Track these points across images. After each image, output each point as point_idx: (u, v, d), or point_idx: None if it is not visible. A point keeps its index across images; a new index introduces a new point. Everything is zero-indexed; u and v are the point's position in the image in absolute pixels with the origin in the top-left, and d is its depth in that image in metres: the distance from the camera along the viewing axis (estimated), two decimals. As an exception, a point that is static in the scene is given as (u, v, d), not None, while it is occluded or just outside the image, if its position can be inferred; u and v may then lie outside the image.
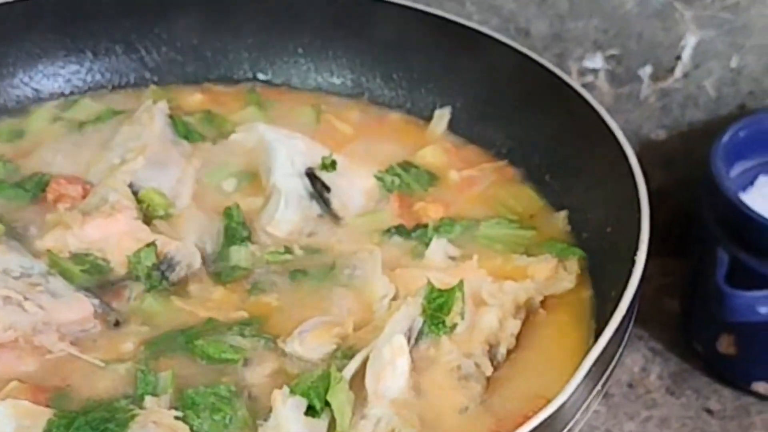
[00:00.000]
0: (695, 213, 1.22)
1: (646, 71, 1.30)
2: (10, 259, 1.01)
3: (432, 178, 1.17)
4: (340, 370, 0.94)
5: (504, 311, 0.99)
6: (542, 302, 1.03)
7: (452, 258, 1.08)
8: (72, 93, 1.29)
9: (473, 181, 1.17)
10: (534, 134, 1.17)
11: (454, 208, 1.14)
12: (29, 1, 1.26)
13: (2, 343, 0.95)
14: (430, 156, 1.20)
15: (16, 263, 1.01)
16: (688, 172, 1.31)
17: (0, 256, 1.02)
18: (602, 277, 1.04)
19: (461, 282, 0.99)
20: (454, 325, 0.98)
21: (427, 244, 1.09)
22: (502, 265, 1.06)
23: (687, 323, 1.29)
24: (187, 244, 1.06)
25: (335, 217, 1.12)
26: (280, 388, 0.92)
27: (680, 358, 1.28)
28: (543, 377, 0.97)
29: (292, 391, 0.91)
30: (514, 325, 0.99)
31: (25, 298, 0.97)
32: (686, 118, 1.32)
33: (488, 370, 0.96)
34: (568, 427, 0.87)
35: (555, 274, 1.05)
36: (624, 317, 0.90)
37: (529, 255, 1.07)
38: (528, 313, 1.02)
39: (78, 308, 0.99)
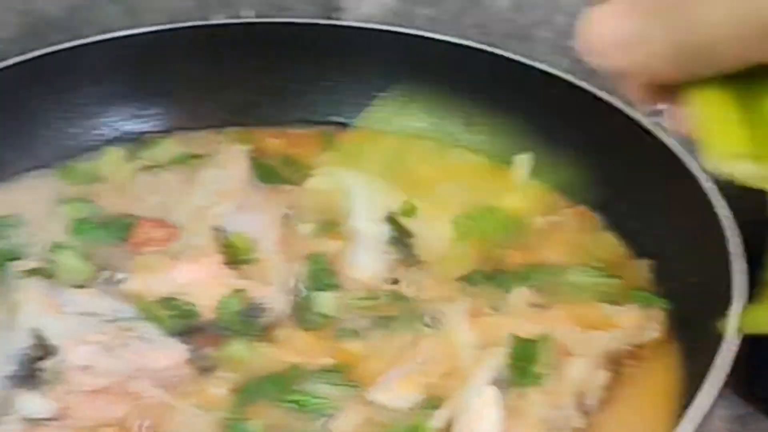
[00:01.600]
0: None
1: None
2: (101, 303, 1.02)
3: (513, 223, 1.17)
4: (426, 420, 0.93)
5: (592, 362, 0.99)
6: (630, 353, 1.02)
7: (535, 306, 1.07)
8: (150, 133, 1.29)
9: (555, 226, 1.17)
10: (616, 179, 1.16)
11: (535, 254, 1.14)
12: (109, 42, 1.27)
13: (98, 389, 0.96)
14: (511, 201, 1.19)
15: (107, 307, 1.02)
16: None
17: (91, 299, 1.02)
18: (690, 326, 1.03)
19: (548, 332, 0.98)
20: (541, 376, 0.97)
21: (508, 291, 1.08)
22: (587, 314, 1.06)
23: (752, 365, 1.26)
24: (274, 290, 1.06)
25: (416, 263, 1.12)
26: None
27: (745, 401, 1.25)
28: (634, 429, 0.96)
29: (382, 446, 0.91)
30: (603, 376, 0.99)
31: (120, 345, 0.97)
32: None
33: (578, 423, 0.95)
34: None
35: (641, 323, 1.04)
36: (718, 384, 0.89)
37: (613, 304, 1.06)
38: (616, 364, 1.01)
39: (170, 354, 1.00)
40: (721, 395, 1.24)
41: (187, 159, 1.25)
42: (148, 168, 1.25)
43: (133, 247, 1.12)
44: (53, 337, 0.98)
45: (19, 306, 1.00)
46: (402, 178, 1.21)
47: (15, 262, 1.07)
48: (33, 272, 1.05)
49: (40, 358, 0.98)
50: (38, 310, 0.99)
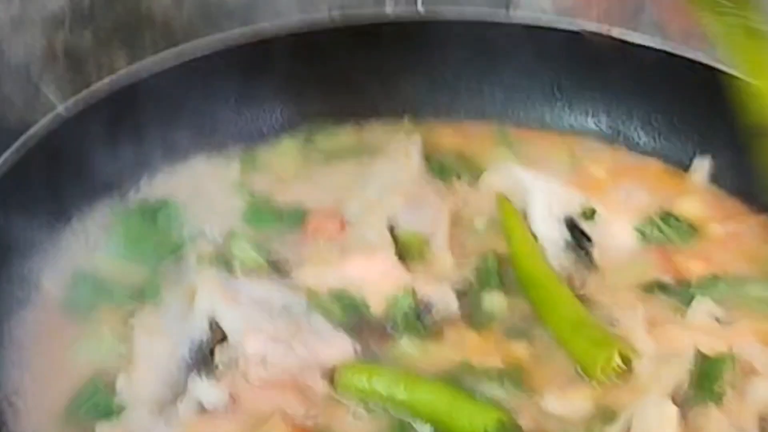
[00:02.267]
0: None
1: None
2: (274, 293, 1.02)
3: (693, 230, 1.13)
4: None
5: (777, 382, 0.95)
6: (817, 373, 0.98)
7: (717, 319, 1.03)
8: (321, 123, 1.29)
9: (737, 235, 1.13)
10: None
11: (716, 264, 1.10)
12: (286, 38, 1.27)
13: (270, 380, 0.96)
14: (690, 207, 1.16)
15: (280, 297, 1.02)
16: None
17: (264, 288, 1.02)
18: None
19: (731, 348, 0.94)
20: (723, 395, 0.93)
21: (689, 302, 1.04)
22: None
23: None
24: (444, 289, 1.05)
25: (593, 268, 1.09)
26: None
27: None
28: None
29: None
30: (787, 398, 0.94)
31: (292, 336, 0.97)
32: None
33: (762, 446, 0.92)
34: None
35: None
36: None
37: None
38: (802, 384, 0.97)
39: (339, 347, 0.99)
40: None
41: (361, 150, 1.24)
42: (320, 159, 1.24)
43: (305, 237, 1.12)
44: (228, 326, 0.98)
45: (196, 293, 1.00)
46: (578, 180, 1.18)
47: (192, 249, 1.07)
48: (209, 259, 1.05)
49: (214, 346, 0.99)
50: (215, 297, 1.00)
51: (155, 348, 0.98)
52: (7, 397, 0.97)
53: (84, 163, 1.11)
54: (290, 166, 1.23)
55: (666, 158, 1.22)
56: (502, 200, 1.12)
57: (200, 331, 0.99)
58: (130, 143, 1.14)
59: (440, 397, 0.94)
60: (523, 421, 0.95)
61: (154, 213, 1.13)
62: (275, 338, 0.97)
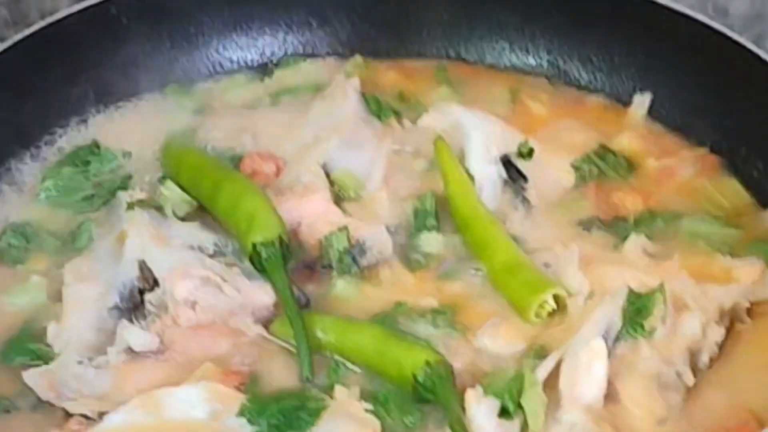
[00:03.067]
0: None
1: None
2: (205, 237, 1.01)
3: (630, 166, 1.13)
4: (532, 370, 0.91)
5: (707, 317, 0.95)
6: (747, 309, 0.98)
7: (651, 255, 1.03)
8: (265, 64, 1.27)
9: (674, 170, 1.12)
10: (741, 123, 1.12)
11: (653, 199, 1.10)
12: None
13: (200, 324, 0.95)
14: (628, 142, 1.15)
15: (210, 241, 1.01)
16: None
17: (195, 232, 1.02)
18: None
19: (663, 285, 0.94)
20: (654, 330, 0.94)
21: (624, 239, 1.04)
22: (705, 266, 1.01)
23: None
24: (379, 230, 1.04)
25: (529, 206, 1.09)
26: (473, 385, 0.90)
27: None
28: (747, 389, 0.92)
29: (485, 392, 0.89)
30: (717, 333, 0.95)
31: (224, 280, 0.97)
32: None
33: (690, 380, 0.92)
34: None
35: (763, 278, 0.99)
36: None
37: (733, 256, 1.02)
38: (732, 320, 0.97)
39: (271, 290, 0.98)
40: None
41: (302, 89, 1.22)
42: (263, 98, 1.23)
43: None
44: (158, 270, 0.98)
45: (126, 237, 1.00)
46: (518, 117, 1.18)
47: (123, 193, 1.07)
48: (140, 203, 1.04)
49: (144, 291, 0.98)
50: (145, 241, 0.99)
51: (85, 294, 0.98)
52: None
53: (13, 111, 1.10)
54: (230, 106, 1.22)
55: (606, 95, 1.21)
56: (439, 140, 1.11)
57: (131, 276, 0.98)
58: (59, 89, 1.12)
59: (370, 340, 0.94)
60: (457, 360, 0.95)
61: (85, 160, 1.11)
62: (205, 282, 0.96)
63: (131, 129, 1.16)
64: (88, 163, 1.11)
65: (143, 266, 0.98)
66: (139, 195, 1.05)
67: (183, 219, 1.04)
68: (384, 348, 0.93)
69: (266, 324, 0.98)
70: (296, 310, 0.95)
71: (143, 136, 1.15)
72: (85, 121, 1.16)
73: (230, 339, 0.96)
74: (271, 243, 0.98)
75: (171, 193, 1.07)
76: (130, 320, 0.96)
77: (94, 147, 1.12)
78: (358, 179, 1.10)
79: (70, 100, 1.15)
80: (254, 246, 0.98)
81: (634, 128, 1.17)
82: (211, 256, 1.00)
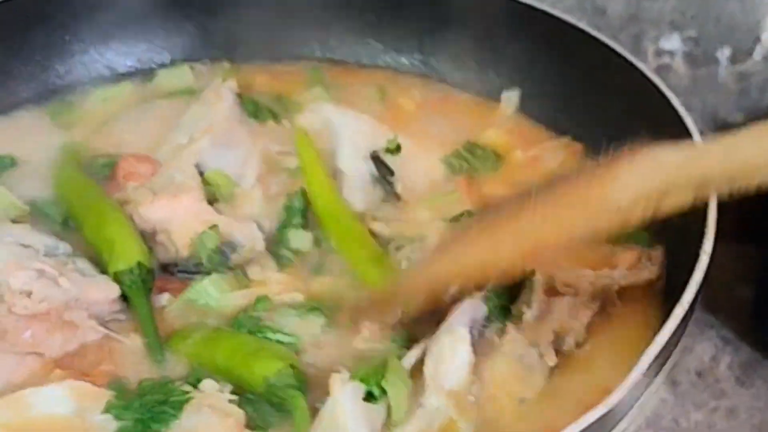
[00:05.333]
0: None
1: (724, 53, 1.27)
2: (34, 238, 1.02)
3: (497, 158, 1.15)
4: (398, 357, 0.93)
5: (577, 301, 0.97)
6: (618, 292, 1.00)
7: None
8: (143, 70, 1.28)
9: (538, 159, 1.15)
10: (602, 117, 1.15)
11: (519, 188, 1.11)
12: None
13: (35, 314, 0.96)
14: (495, 137, 1.18)
15: (39, 242, 1.02)
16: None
17: (24, 233, 1.02)
18: (673, 266, 1.01)
19: (533, 271, 0.97)
20: (521, 314, 0.96)
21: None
22: (585, 253, 1.03)
23: (759, 311, 1.25)
24: (250, 227, 1.06)
25: (398, 201, 1.11)
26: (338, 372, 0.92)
27: (751, 347, 1.24)
28: (609, 369, 0.95)
29: (352, 377, 0.90)
30: (585, 316, 0.97)
31: (60, 274, 0.97)
32: (765, 102, 1.29)
33: (551, 361, 0.94)
34: (629, 415, 0.85)
35: (638, 263, 1.02)
36: (687, 310, 0.87)
37: (614, 243, 1.04)
38: (603, 303, 0.99)
39: (106, 289, 0.99)
40: (728, 342, 1.24)
41: (179, 94, 1.24)
42: (140, 103, 1.23)
43: (115, 183, 1.12)
44: (-8, 262, 0.97)
45: None
46: (389, 114, 1.20)
47: None
48: None
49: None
50: None
51: None
52: None
53: None
54: (107, 112, 1.23)
55: (476, 92, 1.24)
56: (301, 138, 1.13)
57: None
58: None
59: (221, 351, 0.96)
60: (324, 349, 0.97)
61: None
62: (41, 274, 0.97)
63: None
64: None
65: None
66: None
67: (13, 221, 1.05)
68: (237, 357, 0.94)
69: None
70: (155, 338, 0.97)
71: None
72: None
73: (64, 333, 0.97)
74: (130, 270, 1.00)
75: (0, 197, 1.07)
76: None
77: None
78: (231, 179, 1.11)
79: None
80: (115, 274, 1.00)
81: (502, 123, 1.20)
82: (45, 256, 1.00)
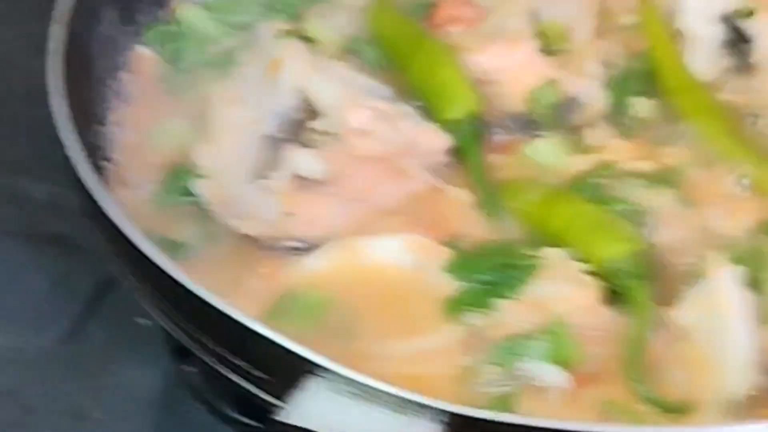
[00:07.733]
0: None
1: None
2: (361, 78, 0.93)
3: None
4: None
5: None
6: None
7: None
8: None
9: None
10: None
11: None
12: None
13: (373, 157, 0.88)
14: None
15: (363, 82, 0.92)
16: None
17: (349, 71, 0.93)
18: None
19: None
20: None
21: None
22: None
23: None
24: (591, 83, 0.96)
25: (750, 70, 0.99)
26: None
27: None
28: None
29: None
30: None
31: (396, 116, 0.89)
32: None
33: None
34: None
35: None
36: None
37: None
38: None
39: (438, 138, 0.91)
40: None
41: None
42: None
43: (432, 29, 1.01)
44: (325, 100, 0.89)
45: (281, 64, 0.90)
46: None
47: (268, 22, 0.99)
48: (290, 33, 0.96)
49: (303, 121, 0.90)
50: (305, 71, 0.90)
51: (236, 117, 0.90)
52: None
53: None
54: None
55: None
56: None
57: (288, 105, 0.89)
58: None
59: (559, 216, 0.87)
60: (676, 225, 0.87)
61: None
62: (379, 114, 0.88)
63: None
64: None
65: (303, 96, 0.90)
66: (286, 26, 0.98)
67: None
68: (574, 230, 0.85)
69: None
70: (491, 191, 0.89)
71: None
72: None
73: (396, 180, 0.89)
74: (464, 119, 0.92)
75: (319, 30, 1.00)
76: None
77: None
78: (565, 30, 1.00)
79: None
80: (447, 122, 0.91)
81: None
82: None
